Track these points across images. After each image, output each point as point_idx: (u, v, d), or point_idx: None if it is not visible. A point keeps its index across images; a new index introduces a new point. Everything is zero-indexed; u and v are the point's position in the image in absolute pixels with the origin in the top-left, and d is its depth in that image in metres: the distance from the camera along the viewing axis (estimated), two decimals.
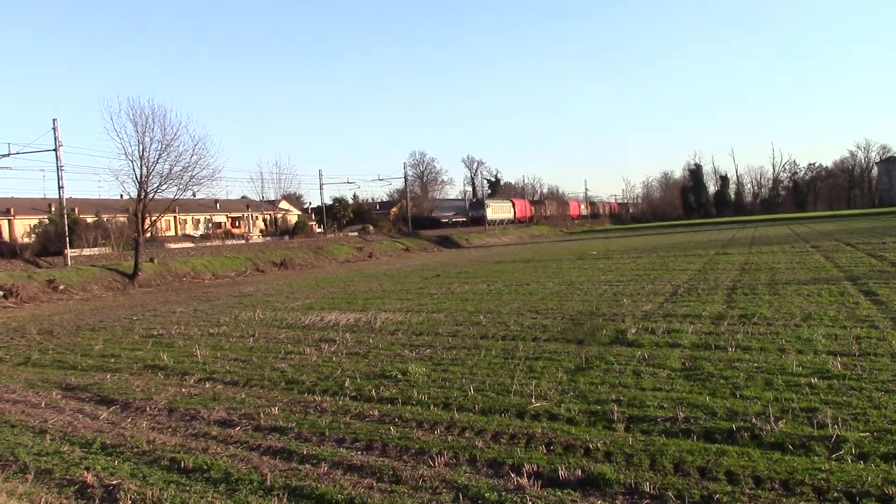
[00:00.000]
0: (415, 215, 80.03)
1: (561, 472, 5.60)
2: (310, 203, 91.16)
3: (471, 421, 7.14)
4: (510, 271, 28.09)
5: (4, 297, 27.07)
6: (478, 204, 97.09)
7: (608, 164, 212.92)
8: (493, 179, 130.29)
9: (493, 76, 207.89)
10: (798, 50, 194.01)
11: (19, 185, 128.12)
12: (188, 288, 31.75)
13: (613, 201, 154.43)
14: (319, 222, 75.02)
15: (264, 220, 77.02)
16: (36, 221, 51.47)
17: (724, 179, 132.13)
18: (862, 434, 5.99)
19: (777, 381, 7.87)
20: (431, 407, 7.74)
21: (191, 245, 49.05)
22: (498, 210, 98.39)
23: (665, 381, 8.22)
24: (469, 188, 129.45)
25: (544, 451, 6.20)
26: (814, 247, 30.42)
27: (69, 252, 35.24)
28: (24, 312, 23.69)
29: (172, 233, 64.35)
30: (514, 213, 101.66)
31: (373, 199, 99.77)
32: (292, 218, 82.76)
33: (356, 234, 63.99)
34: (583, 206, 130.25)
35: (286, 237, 62.83)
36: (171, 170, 34.66)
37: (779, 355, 9.16)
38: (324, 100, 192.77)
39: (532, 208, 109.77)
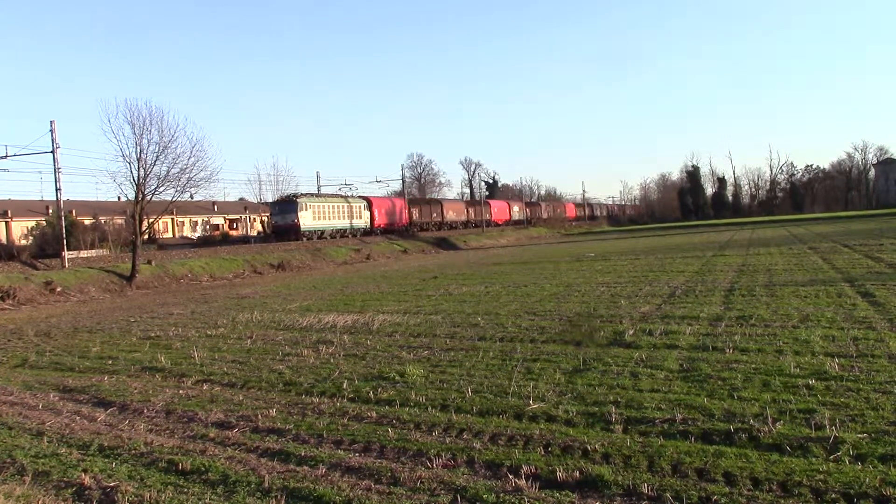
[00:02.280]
0: None
1: (559, 474, 5.61)
2: None
3: (469, 422, 7.13)
4: (508, 273, 28.08)
5: (2, 299, 27.01)
6: (286, 204, 54.10)
7: (606, 165, 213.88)
8: (491, 181, 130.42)
9: (491, 78, 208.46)
10: (795, 52, 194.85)
11: (16, 187, 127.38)
12: (186, 290, 31.69)
13: (611, 203, 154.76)
14: None
15: (262, 222, 76.98)
16: (33, 223, 51.47)
17: (721, 181, 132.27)
18: (860, 435, 6.00)
19: (775, 382, 7.87)
20: (429, 408, 7.74)
21: (188, 247, 49.00)
22: (324, 215, 56.50)
23: (663, 383, 8.22)
24: (467, 190, 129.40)
25: (542, 452, 6.20)
26: (811, 248, 30.44)
27: (66, 254, 35.14)
28: (22, 314, 23.65)
29: (170, 235, 64.34)
30: (372, 220, 64.18)
31: None
32: None
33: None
34: (580, 208, 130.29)
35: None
36: (168, 172, 34.62)
37: (776, 357, 9.17)
38: (322, 101, 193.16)
39: (410, 212, 71.39)
